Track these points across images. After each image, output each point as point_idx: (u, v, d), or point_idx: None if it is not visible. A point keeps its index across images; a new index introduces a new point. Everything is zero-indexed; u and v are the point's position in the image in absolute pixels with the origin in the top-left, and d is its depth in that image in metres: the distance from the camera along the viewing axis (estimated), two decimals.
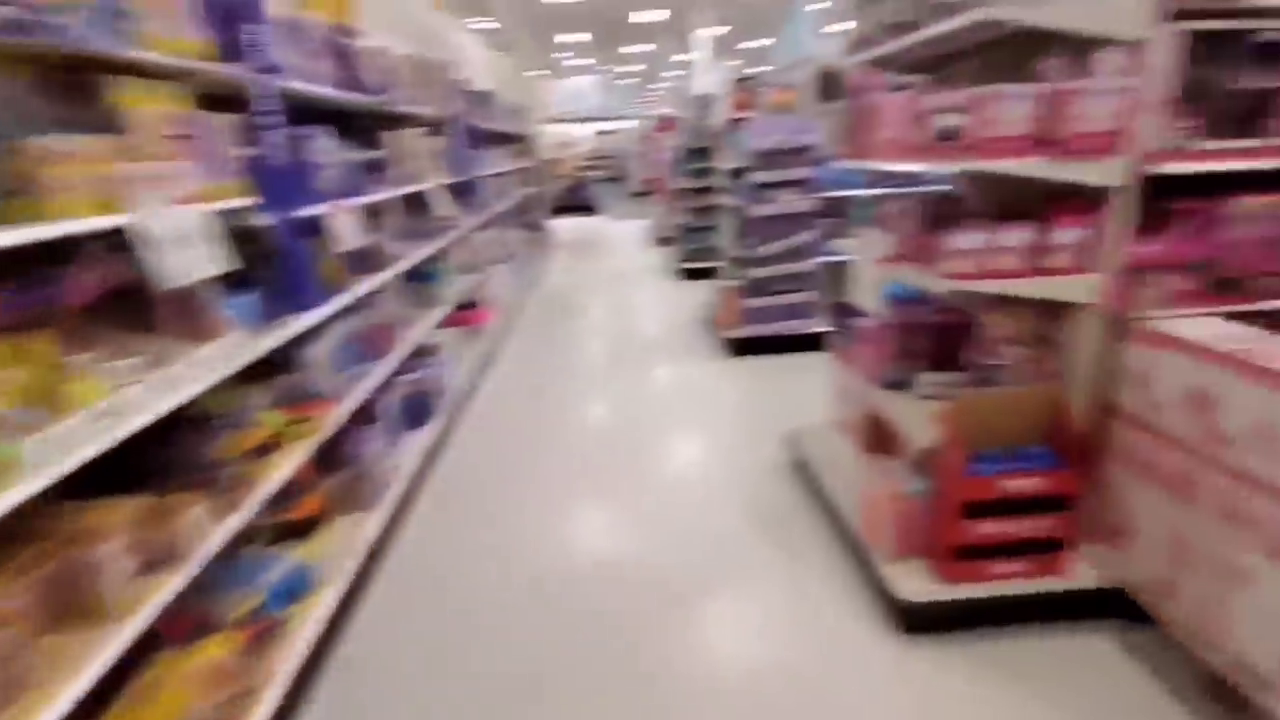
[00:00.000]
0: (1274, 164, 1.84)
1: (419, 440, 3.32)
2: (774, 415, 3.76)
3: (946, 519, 2.04)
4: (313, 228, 2.34)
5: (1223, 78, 1.81)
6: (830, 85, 4.64)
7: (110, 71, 1.55)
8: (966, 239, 1.93)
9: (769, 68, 8.61)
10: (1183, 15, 1.72)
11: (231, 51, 1.95)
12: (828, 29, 12.22)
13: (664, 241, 9.59)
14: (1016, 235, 1.91)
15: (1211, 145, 1.80)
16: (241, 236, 1.90)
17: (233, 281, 1.86)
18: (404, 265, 3.34)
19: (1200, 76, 1.82)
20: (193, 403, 1.62)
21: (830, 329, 3.07)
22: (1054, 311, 2.08)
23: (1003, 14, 1.76)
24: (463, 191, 4.96)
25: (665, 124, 10.65)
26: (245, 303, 1.92)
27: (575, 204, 14.87)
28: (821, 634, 2.16)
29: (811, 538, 2.65)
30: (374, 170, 3.19)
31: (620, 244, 11.09)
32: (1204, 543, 1.70)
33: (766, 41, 15.39)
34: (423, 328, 3.60)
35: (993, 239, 1.94)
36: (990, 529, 2.02)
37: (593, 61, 18.03)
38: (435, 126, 4.46)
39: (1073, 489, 2.02)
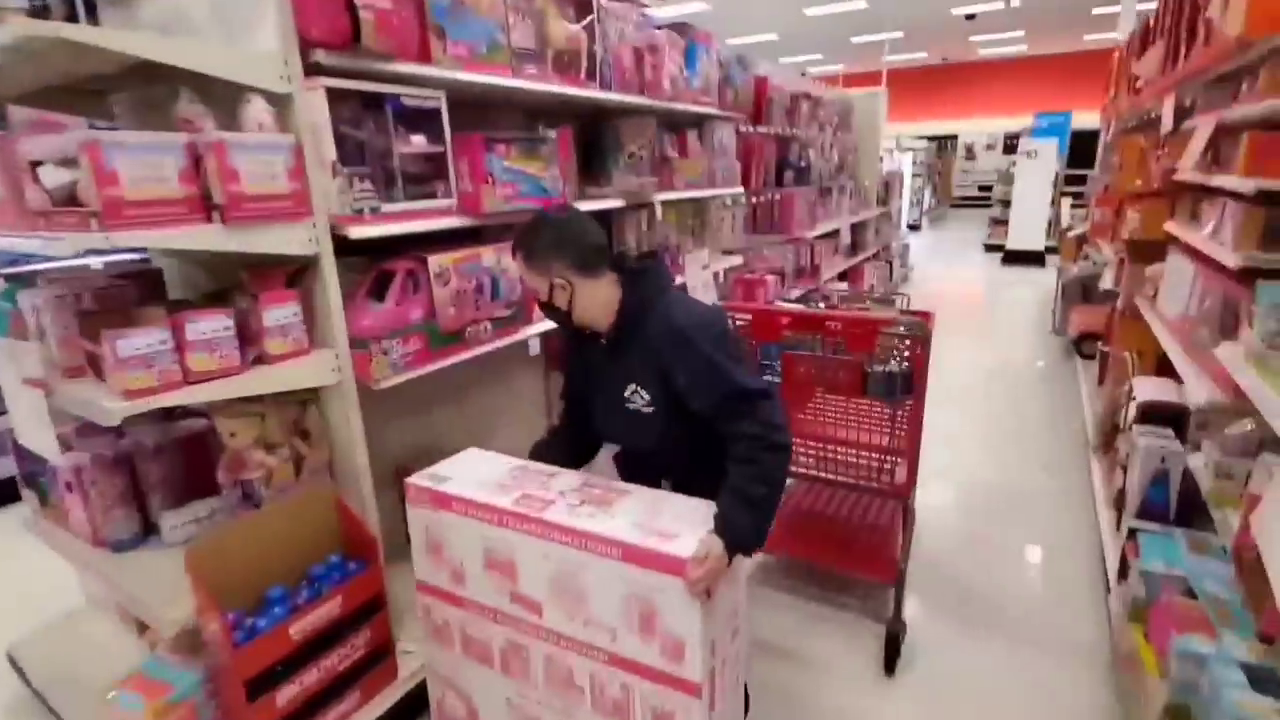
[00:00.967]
0: (452, 222, 1.97)
1: None
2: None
3: (236, 710, 1.50)
4: None
5: (384, 141, 1.79)
6: None
7: None
8: (142, 341, 1.38)
9: None
10: (321, 72, 1.58)
11: None
12: None
13: None
14: (210, 324, 1.47)
15: (392, 208, 1.77)
16: None
17: None
18: None
19: (364, 138, 1.76)
20: None
21: (22, 476, 2.03)
22: (298, 396, 1.78)
23: (78, 35, 1.24)
24: None
25: None
26: None
27: None
28: None
29: None
30: None
31: None
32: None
33: None
34: None
35: (184, 335, 1.45)
36: (297, 689, 1.59)
37: None
38: None
39: (379, 583, 1.80)
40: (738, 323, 2.28)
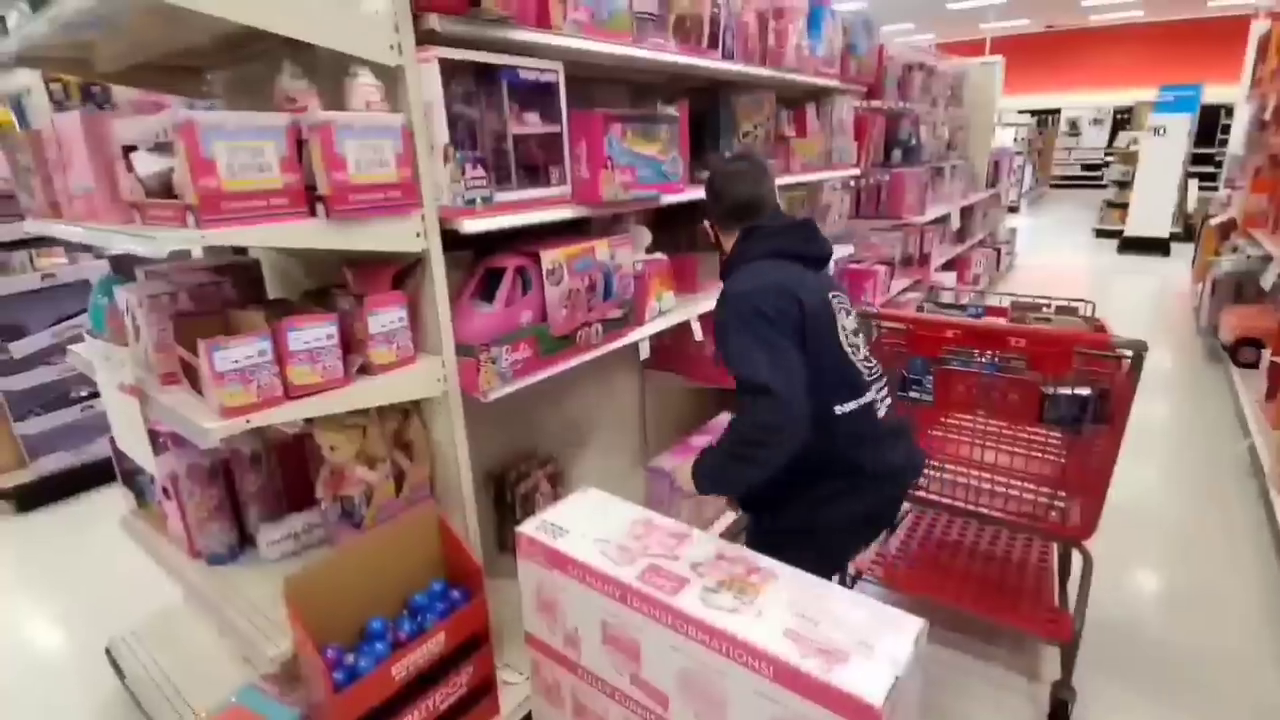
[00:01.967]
0: (567, 213, 1.74)
1: None
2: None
3: None
4: None
5: (497, 121, 1.58)
6: None
7: None
8: (240, 353, 1.22)
9: None
10: (434, 40, 1.38)
11: None
12: None
13: None
14: (313, 332, 1.30)
15: (504, 197, 1.56)
16: None
17: None
18: None
19: (475, 118, 1.55)
20: None
21: (121, 473, 1.96)
22: (400, 406, 1.61)
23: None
24: None
25: None
26: None
27: None
28: None
29: None
30: None
31: None
32: None
33: None
34: None
35: (285, 345, 1.28)
36: None
37: None
38: None
39: (484, 617, 1.62)
40: (884, 335, 1.96)
